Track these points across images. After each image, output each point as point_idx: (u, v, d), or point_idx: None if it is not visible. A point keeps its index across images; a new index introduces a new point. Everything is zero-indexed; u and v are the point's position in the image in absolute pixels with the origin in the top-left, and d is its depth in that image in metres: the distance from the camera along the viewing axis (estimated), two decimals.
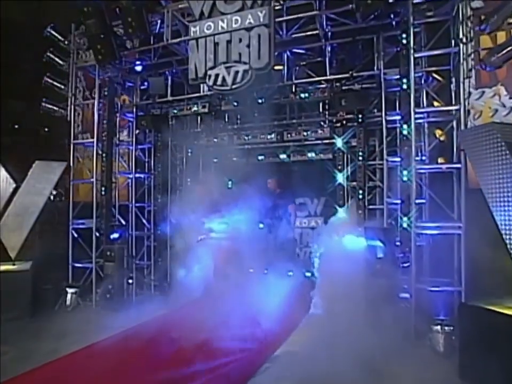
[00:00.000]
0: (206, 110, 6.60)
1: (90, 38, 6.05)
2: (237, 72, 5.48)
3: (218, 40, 5.59)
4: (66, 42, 6.70)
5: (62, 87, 6.77)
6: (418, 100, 5.41)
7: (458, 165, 4.79)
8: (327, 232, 5.78)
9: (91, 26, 5.92)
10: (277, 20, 5.72)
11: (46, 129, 7.47)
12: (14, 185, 6.05)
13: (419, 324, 4.66)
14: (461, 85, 4.88)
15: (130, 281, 6.65)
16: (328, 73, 5.87)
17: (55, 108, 6.74)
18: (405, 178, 4.98)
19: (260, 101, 6.27)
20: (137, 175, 7.04)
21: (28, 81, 7.31)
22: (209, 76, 5.61)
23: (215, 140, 7.12)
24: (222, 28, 5.58)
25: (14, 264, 6.00)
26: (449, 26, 5.21)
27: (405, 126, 5.03)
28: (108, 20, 6.01)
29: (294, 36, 5.94)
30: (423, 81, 5.44)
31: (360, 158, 5.95)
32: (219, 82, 5.57)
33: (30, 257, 6.09)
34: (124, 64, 6.89)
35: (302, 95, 6.02)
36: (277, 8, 5.81)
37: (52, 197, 7.31)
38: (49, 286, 6.17)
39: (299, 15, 5.65)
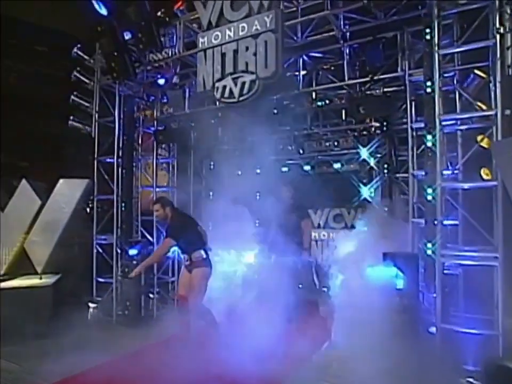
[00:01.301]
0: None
1: (105, 56, 6.07)
2: (243, 83, 5.16)
3: (225, 50, 5.32)
4: (91, 61, 6.85)
5: (88, 104, 6.92)
6: (451, 104, 4.66)
7: (494, 182, 4.02)
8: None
9: (104, 44, 5.94)
10: (291, 22, 5.33)
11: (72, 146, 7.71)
12: (39, 202, 6.26)
13: (446, 373, 3.95)
14: (497, 84, 4.09)
15: (151, 296, 6.63)
16: (346, 78, 5.31)
17: (81, 125, 6.90)
18: (429, 197, 4.29)
19: (275, 111, 5.87)
20: (158, 189, 6.96)
21: (56, 100, 7.58)
22: (217, 88, 5.36)
23: (237, 152, 6.84)
24: (229, 36, 5.30)
25: (40, 278, 6.22)
26: (488, 14, 4.40)
27: (428, 136, 4.33)
28: (121, 37, 5.99)
29: (309, 38, 5.48)
30: (455, 82, 4.67)
31: (386, 170, 5.30)
32: (226, 94, 5.30)
33: (57, 270, 6.29)
34: (146, 78, 6.89)
35: (319, 103, 5.51)
36: (290, 10, 5.42)
37: (88, 210, 7.58)
38: (73, 299, 6.28)
39: (311, 16, 5.18)
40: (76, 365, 4.46)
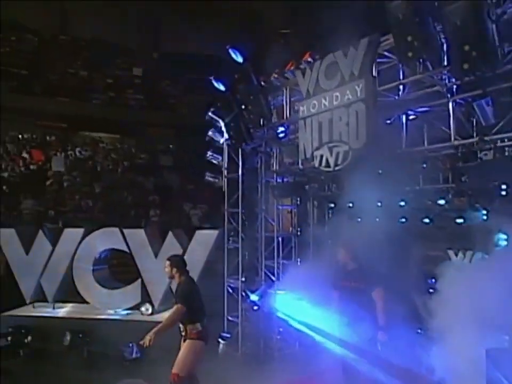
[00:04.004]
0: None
1: (224, 125, 6.88)
2: (338, 153, 5.25)
3: (321, 119, 5.51)
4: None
5: (220, 160, 7.90)
6: None
7: None
8: None
9: (223, 114, 6.75)
10: (389, 85, 5.10)
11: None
12: (181, 252, 7.48)
13: None
14: None
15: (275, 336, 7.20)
16: (452, 138, 4.82)
17: (215, 179, 7.93)
18: None
19: (379, 171, 5.68)
20: (279, 235, 7.49)
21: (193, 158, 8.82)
22: (315, 157, 5.56)
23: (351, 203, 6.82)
24: (324, 105, 5.47)
25: None
26: None
27: None
28: (236, 107, 6.67)
29: (411, 94, 5.15)
30: None
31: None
32: (323, 163, 5.48)
33: None
34: (267, 132, 7.46)
35: (424, 165, 5.14)
36: (388, 65, 5.20)
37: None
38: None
39: (411, 78, 4.86)
40: None
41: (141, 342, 4.40)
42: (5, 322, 7.54)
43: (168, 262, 4.92)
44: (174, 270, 4.85)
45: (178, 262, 4.97)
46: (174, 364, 4.63)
